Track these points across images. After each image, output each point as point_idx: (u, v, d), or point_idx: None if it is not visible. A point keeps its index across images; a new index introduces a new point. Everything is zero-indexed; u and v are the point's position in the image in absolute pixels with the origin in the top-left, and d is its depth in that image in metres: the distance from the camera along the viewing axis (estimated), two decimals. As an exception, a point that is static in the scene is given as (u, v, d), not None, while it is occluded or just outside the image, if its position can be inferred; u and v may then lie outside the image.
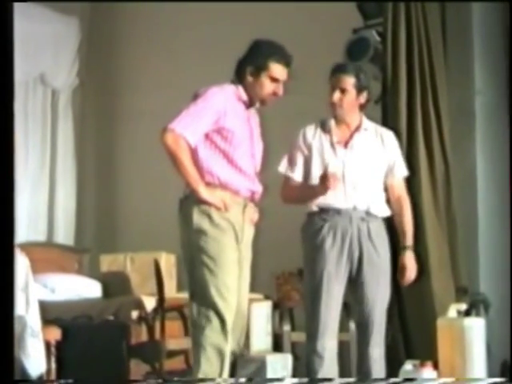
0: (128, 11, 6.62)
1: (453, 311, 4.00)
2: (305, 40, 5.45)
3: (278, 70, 3.35)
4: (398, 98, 4.72)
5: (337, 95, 3.74)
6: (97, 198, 6.89)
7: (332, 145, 3.74)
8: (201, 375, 3.15)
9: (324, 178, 3.56)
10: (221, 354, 3.16)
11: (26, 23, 5.13)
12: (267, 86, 3.35)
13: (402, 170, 3.90)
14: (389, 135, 3.90)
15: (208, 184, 3.22)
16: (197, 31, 6.19)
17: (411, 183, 4.62)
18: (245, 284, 3.34)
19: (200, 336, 3.16)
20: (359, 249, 3.67)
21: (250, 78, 3.34)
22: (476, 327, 3.89)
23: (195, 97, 3.30)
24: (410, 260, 3.74)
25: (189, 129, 3.19)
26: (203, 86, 3.34)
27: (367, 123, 3.83)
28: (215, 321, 3.15)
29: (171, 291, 5.31)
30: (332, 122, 3.78)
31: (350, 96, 3.75)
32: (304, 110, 5.67)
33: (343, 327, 4.65)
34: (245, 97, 3.35)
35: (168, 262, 5.55)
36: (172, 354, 4.55)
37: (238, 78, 3.37)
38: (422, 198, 4.57)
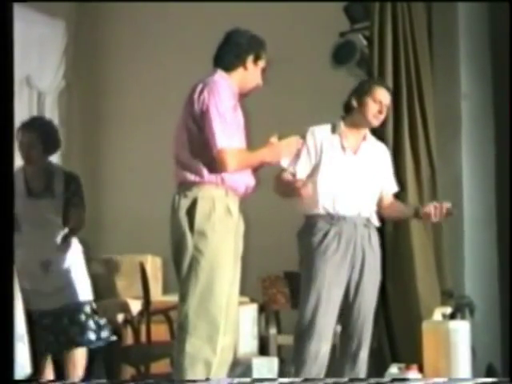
0: (114, 13, 6.60)
1: (438, 314, 4.01)
2: (292, 43, 5.46)
3: (264, 59, 3.33)
4: (384, 102, 4.73)
5: (384, 113, 3.78)
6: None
7: (343, 149, 3.75)
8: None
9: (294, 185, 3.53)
10: (207, 364, 3.06)
11: (11, 25, 5.12)
12: (258, 76, 3.31)
13: (393, 186, 3.98)
14: (386, 150, 3.97)
15: (210, 182, 3.15)
16: (184, 32, 6.18)
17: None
18: (235, 282, 3.25)
19: (186, 343, 3.05)
20: (362, 255, 3.70)
21: (251, 66, 3.28)
22: (461, 330, 3.90)
23: (209, 101, 3.12)
24: (427, 207, 3.76)
25: (234, 137, 3.15)
26: (189, 88, 3.31)
27: (370, 135, 3.88)
28: (204, 329, 3.06)
29: (157, 294, 5.30)
30: (343, 126, 3.78)
31: (385, 113, 3.81)
32: (291, 112, 5.69)
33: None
34: (236, 88, 3.27)
35: (154, 265, 5.54)
36: (157, 357, 4.54)
37: (227, 66, 3.27)
38: (408, 202, 4.58)
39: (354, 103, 3.79)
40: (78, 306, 3.95)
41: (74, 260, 4.03)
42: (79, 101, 6.82)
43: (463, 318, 4.26)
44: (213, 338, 3.07)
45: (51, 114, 6.67)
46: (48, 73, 6.62)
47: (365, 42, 4.98)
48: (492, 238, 5.01)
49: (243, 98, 3.34)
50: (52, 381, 3.93)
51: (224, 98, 3.14)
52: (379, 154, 3.90)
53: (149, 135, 6.27)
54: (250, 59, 3.27)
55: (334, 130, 3.78)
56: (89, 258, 4.34)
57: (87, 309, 3.99)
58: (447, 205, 3.73)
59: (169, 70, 6.19)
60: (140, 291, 4.63)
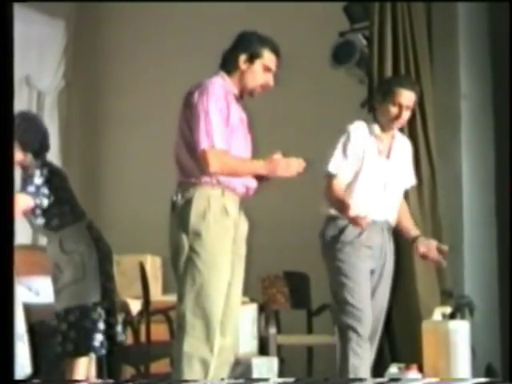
0: (114, 13, 6.60)
1: (438, 314, 4.01)
2: (291, 43, 5.45)
3: (271, 58, 3.27)
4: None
5: (405, 114, 3.65)
6: (82, 201, 6.84)
7: (379, 153, 3.70)
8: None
9: (356, 218, 3.46)
10: (205, 364, 3.07)
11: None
12: (260, 75, 3.26)
13: (411, 179, 3.96)
14: (409, 144, 3.90)
15: (206, 183, 3.15)
16: (184, 32, 6.18)
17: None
18: (237, 283, 3.26)
19: (184, 342, 3.07)
20: (384, 259, 3.70)
21: (243, 66, 3.24)
22: (461, 330, 3.90)
23: (198, 103, 3.13)
24: (427, 242, 3.74)
25: (220, 139, 3.10)
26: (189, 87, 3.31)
27: (397, 132, 3.83)
28: (201, 329, 3.07)
29: (157, 294, 5.29)
30: (378, 129, 3.70)
31: (409, 112, 3.70)
32: (290, 112, 5.69)
33: (329, 330, 4.66)
34: (234, 89, 3.26)
35: (153, 265, 5.54)
36: (157, 357, 4.54)
37: (226, 68, 3.27)
38: (407, 201, 4.58)
39: (376, 105, 3.72)
40: (83, 308, 3.85)
41: (80, 261, 3.88)
42: (79, 100, 6.82)
43: (463, 317, 4.26)
44: (210, 338, 3.08)
45: (51, 113, 6.67)
46: (48, 72, 6.61)
47: (364, 42, 4.98)
48: (492, 238, 5.01)
49: (250, 96, 3.32)
50: (51, 381, 3.92)
51: (212, 99, 3.13)
52: (405, 151, 3.85)
53: (148, 135, 6.27)
54: (242, 59, 3.25)
55: (371, 131, 3.69)
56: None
57: (93, 311, 3.87)
58: (445, 248, 3.71)
59: (169, 70, 6.19)
60: (140, 291, 4.63)
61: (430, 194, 4.73)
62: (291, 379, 3.57)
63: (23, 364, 3.83)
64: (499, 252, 4.96)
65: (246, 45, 3.27)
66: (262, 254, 5.21)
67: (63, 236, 3.88)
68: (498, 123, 5.07)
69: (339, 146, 3.66)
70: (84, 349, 3.81)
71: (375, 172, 3.68)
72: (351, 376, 3.57)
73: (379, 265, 3.71)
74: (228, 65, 3.28)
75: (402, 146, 3.85)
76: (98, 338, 3.82)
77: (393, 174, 3.75)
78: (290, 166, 3.20)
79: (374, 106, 3.76)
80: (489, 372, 4.56)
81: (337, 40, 5.09)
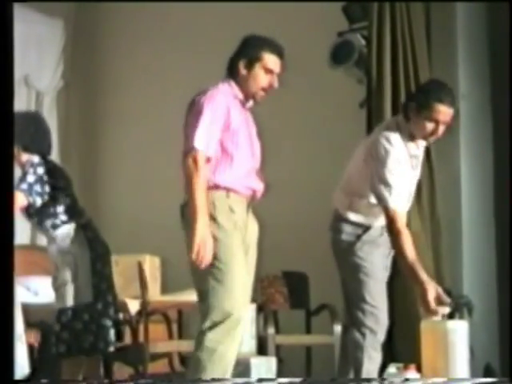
0: (113, 13, 6.61)
1: (436, 314, 4.01)
2: (290, 43, 5.45)
3: (271, 60, 3.27)
4: (382, 102, 4.74)
5: (441, 129, 3.50)
6: (80, 200, 6.84)
7: (412, 168, 3.63)
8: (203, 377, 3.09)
9: (427, 302, 3.48)
10: (226, 359, 3.11)
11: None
12: (262, 78, 3.26)
13: None
14: (423, 143, 3.75)
15: (210, 186, 3.16)
16: (183, 32, 6.18)
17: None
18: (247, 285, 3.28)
19: (205, 338, 3.10)
20: (390, 256, 3.72)
21: (243, 72, 3.25)
22: (459, 330, 3.89)
23: (195, 105, 3.19)
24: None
25: (209, 143, 3.12)
26: (190, 87, 3.31)
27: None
28: (222, 325, 3.10)
29: (155, 294, 5.29)
30: (415, 149, 3.59)
31: (445, 126, 3.54)
32: (288, 112, 5.69)
33: (328, 330, 4.66)
34: (240, 94, 3.28)
35: (152, 265, 5.54)
36: (155, 357, 4.54)
37: (231, 75, 3.29)
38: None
39: (411, 115, 3.54)
40: (74, 310, 3.83)
41: (72, 262, 3.87)
42: (78, 100, 6.82)
43: (461, 317, 4.25)
44: (230, 333, 3.11)
45: (49, 113, 6.67)
46: (46, 72, 6.61)
47: (363, 42, 4.99)
48: (490, 238, 5.01)
49: (255, 101, 3.32)
50: (51, 381, 3.92)
51: (209, 105, 3.16)
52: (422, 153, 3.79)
53: (147, 135, 6.27)
54: (241, 65, 3.26)
55: (408, 152, 3.57)
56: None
57: (85, 313, 3.86)
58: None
59: (167, 70, 6.19)
60: (138, 291, 4.63)
61: (428, 194, 4.73)
62: (298, 379, 3.55)
63: (22, 364, 3.82)
64: (498, 252, 4.97)
65: (245, 50, 3.28)
66: (261, 253, 5.22)
67: (58, 236, 3.87)
68: (496, 123, 5.07)
69: (392, 176, 3.48)
70: (76, 350, 3.80)
71: (407, 185, 3.64)
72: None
73: (388, 263, 3.73)
74: (232, 72, 3.30)
75: (423, 149, 3.77)
76: (90, 339, 3.81)
77: (416, 180, 3.74)
78: (204, 255, 3.08)
79: (408, 116, 3.56)
80: (487, 372, 4.56)
81: (335, 40, 5.10)
